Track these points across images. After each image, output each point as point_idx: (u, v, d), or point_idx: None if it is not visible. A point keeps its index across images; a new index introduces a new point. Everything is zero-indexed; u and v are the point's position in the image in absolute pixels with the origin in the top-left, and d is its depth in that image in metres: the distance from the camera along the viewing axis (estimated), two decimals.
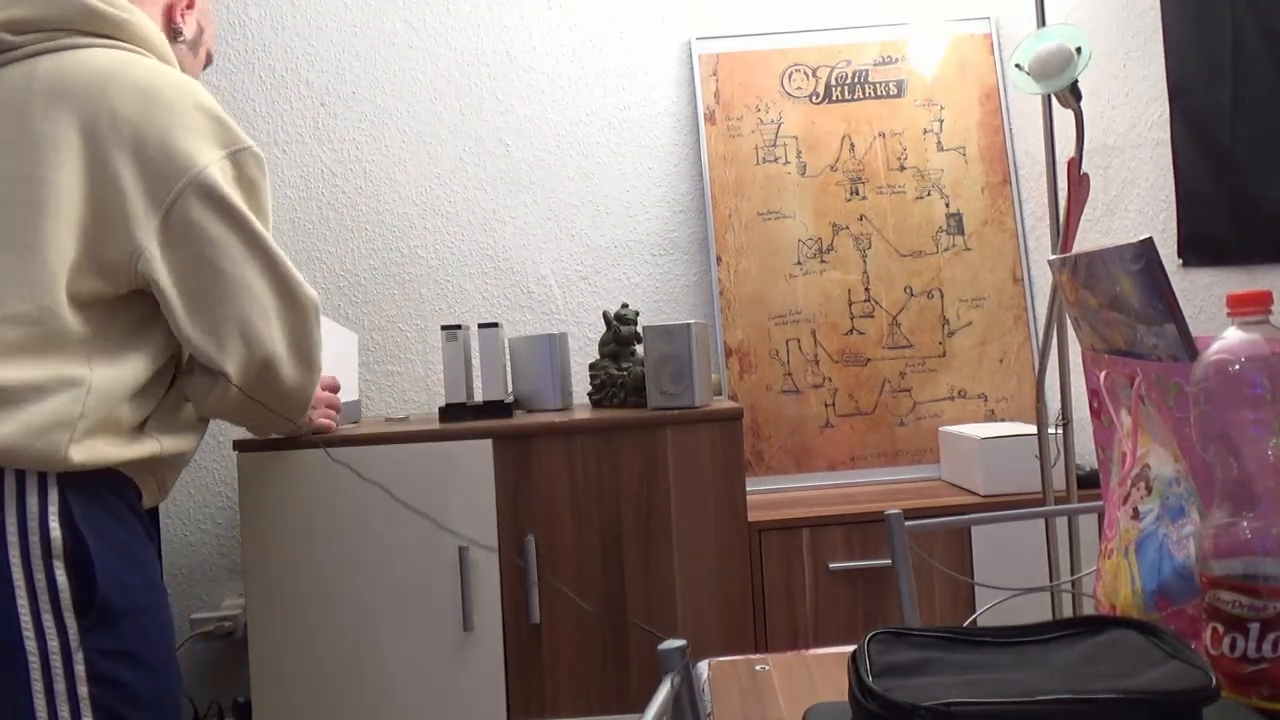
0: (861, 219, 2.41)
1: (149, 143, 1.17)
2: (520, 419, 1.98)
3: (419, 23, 2.47)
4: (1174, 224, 1.86)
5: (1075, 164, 1.73)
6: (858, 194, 2.42)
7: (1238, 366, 0.69)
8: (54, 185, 1.13)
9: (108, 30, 1.23)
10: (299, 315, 1.31)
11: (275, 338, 1.29)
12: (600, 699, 1.91)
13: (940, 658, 0.71)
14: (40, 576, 1.08)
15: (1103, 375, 0.92)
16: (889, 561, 1.27)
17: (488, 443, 1.89)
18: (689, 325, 1.96)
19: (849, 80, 2.45)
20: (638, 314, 2.19)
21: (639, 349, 2.16)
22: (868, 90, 2.44)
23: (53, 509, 1.10)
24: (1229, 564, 0.68)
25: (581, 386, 2.37)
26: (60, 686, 1.08)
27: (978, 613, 1.54)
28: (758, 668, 1.03)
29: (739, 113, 2.43)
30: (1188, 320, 0.79)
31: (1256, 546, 0.68)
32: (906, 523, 1.26)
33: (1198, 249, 1.81)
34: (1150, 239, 0.79)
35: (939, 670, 0.69)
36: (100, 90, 1.17)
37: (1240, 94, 1.66)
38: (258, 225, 1.25)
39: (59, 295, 1.13)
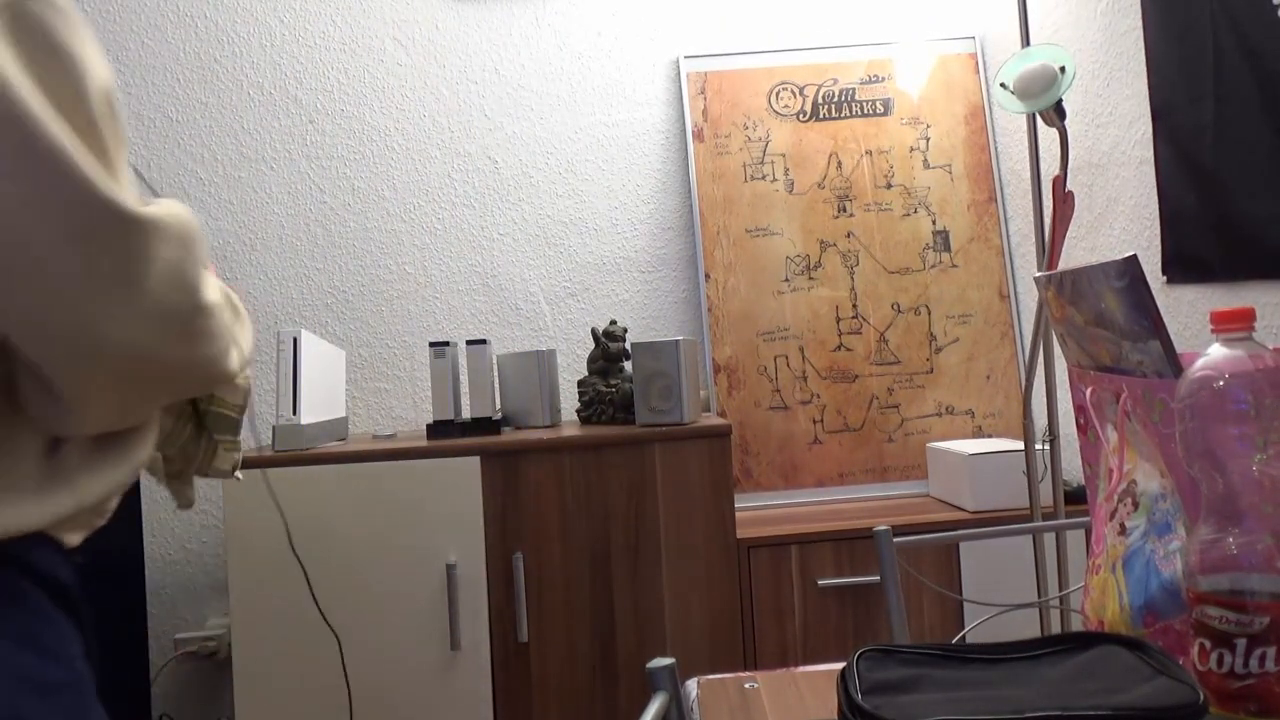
0: (849, 236, 2.42)
1: None
2: (508, 436, 1.97)
3: (407, 40, 2.47)
4: (1158, 241, 1.88)
5: (1060, 182, 1.74)
6: (845, 211, 2.43)
7: (1222, 383, 0.70)
8: None
9: None
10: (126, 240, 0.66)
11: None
12: (589, 718, 1.90)
13: (929, 675, 0.71)
14: None
15: (1089, 391, 0.92)
16: (878, 578, 1.27)
17: (475, 460, 1.89)
18: (677, 342, 1.96)
19: (836, 98, 2.46)
20: (626, 330, 2.19)
21: (627, 366, 2.16)
22: (854, 108, 2.46)
23: None
24: (1215, 579, 0.69)
25: (570, 403, 2.37)
26: None
27: (966, 629, 1.54)
28: (747, 685, 1.03)
29: (727, 130, 2.45)
30: (1172, 337, 0.79)
31: (1243, 562, 0.68)
32: (895, 539, 1.26)
33: (1182, 266, 1.82)
34: (1134, 256, 0.79)
35: (928, 687, 0.68)
36: None
37: (1222, 113, 1.68)
38: (33, 107, 0.62)
39: None
